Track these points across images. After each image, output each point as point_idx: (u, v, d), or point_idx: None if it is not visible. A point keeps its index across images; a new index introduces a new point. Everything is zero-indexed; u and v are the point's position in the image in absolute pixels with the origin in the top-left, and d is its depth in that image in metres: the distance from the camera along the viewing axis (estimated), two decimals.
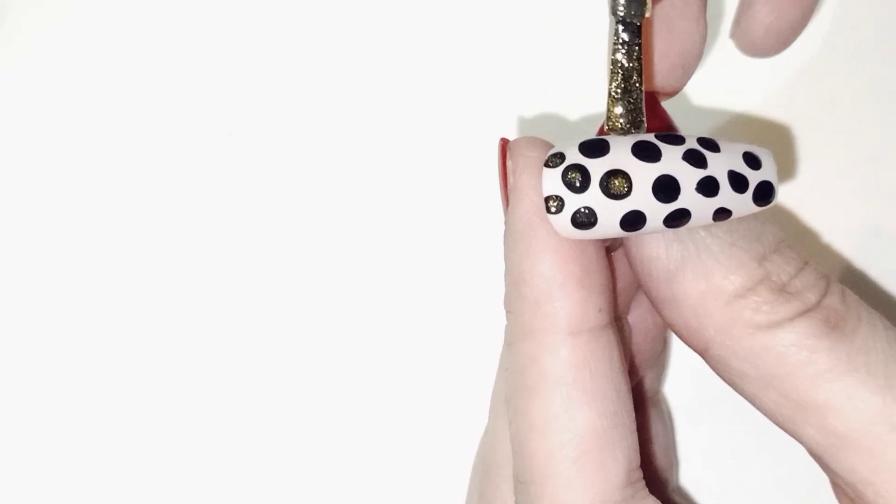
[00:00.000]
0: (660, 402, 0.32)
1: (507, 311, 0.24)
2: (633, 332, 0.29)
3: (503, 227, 0.24)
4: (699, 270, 0.23)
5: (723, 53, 0.32)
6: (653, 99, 0.24)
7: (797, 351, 0.22)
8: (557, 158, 0.23)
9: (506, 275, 0.24)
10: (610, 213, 0.22)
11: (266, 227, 0.35)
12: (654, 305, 0.24)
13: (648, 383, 0.31)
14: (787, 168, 0.34)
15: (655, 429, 0.31)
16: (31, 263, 0.35)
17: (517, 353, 0.23)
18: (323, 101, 0.35)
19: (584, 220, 0.22)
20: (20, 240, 0.35)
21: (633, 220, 0.22)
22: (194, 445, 0.35)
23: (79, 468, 0.35)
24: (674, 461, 0.32)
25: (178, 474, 0.34)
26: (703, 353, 0.24)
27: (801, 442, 0.23)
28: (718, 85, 0.34)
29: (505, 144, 0.24)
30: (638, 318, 0.29)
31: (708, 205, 0.22)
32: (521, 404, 0.23)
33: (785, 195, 0.34)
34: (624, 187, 0.22)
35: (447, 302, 0.34)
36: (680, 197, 0.22)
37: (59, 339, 0.35)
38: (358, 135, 0.35)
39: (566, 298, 0.23)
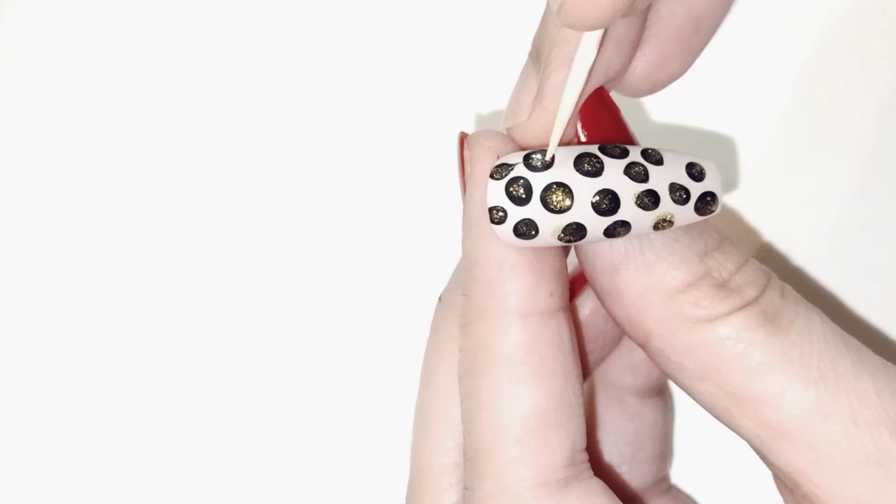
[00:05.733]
0: (665, 391, 0.33)
1: (463, 294, 0.25)
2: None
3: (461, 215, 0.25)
4: (642, 265, 0.24)
5: (721, 56, 0.32)
6: (608, 101, 0.25)
7: (733, 344, 0.23)
8: (503, 170, 0.23)
9: (462, 259, 0.25)
10: (550, 226, 0.23)
11: (265, 226, 0.36)
12: (598, 297, 0.25)
13: (655, 375, 0.31)
14: (785, 167, 0.34)
15: (654, 418, 0.32)
16: (31, 263, 0.36)
17: (469, 334, 0.24)
18: (321, 102, 0.36)
19: (525, 231, 0.23)
20: (20, 239, 0.36)
21: (574, 232, 0.23)
22: (192, 444, 0.35)
23: (79, 468, 0.35)
24: (668, 453, 0.33)
25: (174, 473, 0.35)
26: (644, 346, 0.24)
27: (738, 434, 0.24)
28: (718, 84, 0.34)
29: (463, 137, 0.25)
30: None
31: (648, 216, 0.23)
32: (471, 383, 0.24)
33: (784, 194, 0.34)
34: (565, 202, 0.23)
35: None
36: (620, 210, 0.23)
37: (59, 339, 0.36)
38: (354, 135, 0.36)
39: (518, 281, 0.24)
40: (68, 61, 0.37)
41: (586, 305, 0.28)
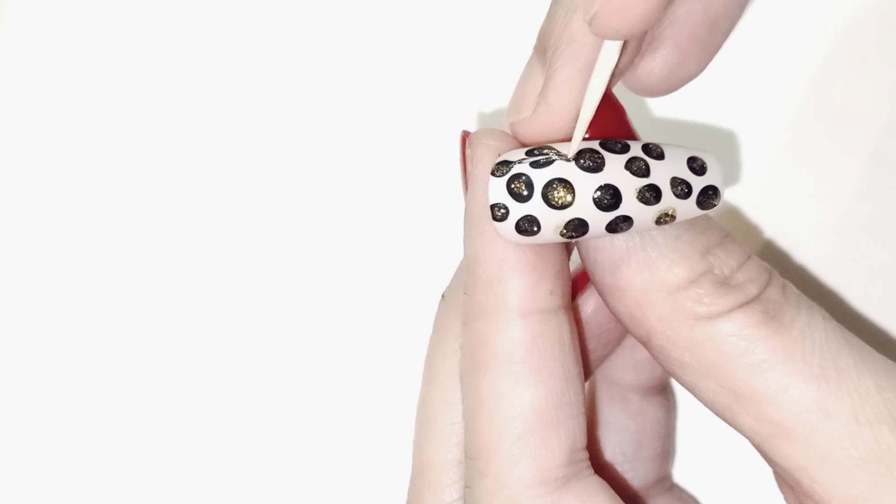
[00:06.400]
0: (667, 390, 0.33)
1: (465, 293, 0.25)
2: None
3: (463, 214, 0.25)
4: (643, 261, 0.24)
5: (724, 53, 0.32)
6: (610, 97, 0.25)
7: (735, 341, 0.23)
8: (504, 167, 0.23)
9: (464, 258, 0.25)
10: (552, 222, 0.23)
11: (267, 225, 0.36)
12: (600, 294, 0.25)
13: (657, 373, 0.31)
14: (785, 167, 0.34)
15: (657, 416, 0.32)
16: (31, 262, 0.36)
17: (470, 332, 0.24)
18: (322, 101, 0.36)
19: (527, 227, 0.23)
20: (20, 239, 0.36)
21: (576, 228, 0.23)
22: (192, 443, 0.35)
23: (78, 468, 0.35)
24: (670, 451, 0.33)
25: (174, 473, 0.35)
26: (645, 343, 0.24)
27: (739, 431, 0.24)
28: (718, 83, 0.34)
29: (465, 135, 0.25)
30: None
31: (650, 211, 0.23)
32: (471, 381, 0.24)
33: (785, 192, 0.34)
34: (567, 198, 0.23)
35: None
36: (622, 205, 0.23)
37: (59, 339, 0.36)
38: (356, 133, 0.36)
39: (518, 279, 0.24)
40: (68, 61, 0.37)
41: (589, 304, 0.28)
